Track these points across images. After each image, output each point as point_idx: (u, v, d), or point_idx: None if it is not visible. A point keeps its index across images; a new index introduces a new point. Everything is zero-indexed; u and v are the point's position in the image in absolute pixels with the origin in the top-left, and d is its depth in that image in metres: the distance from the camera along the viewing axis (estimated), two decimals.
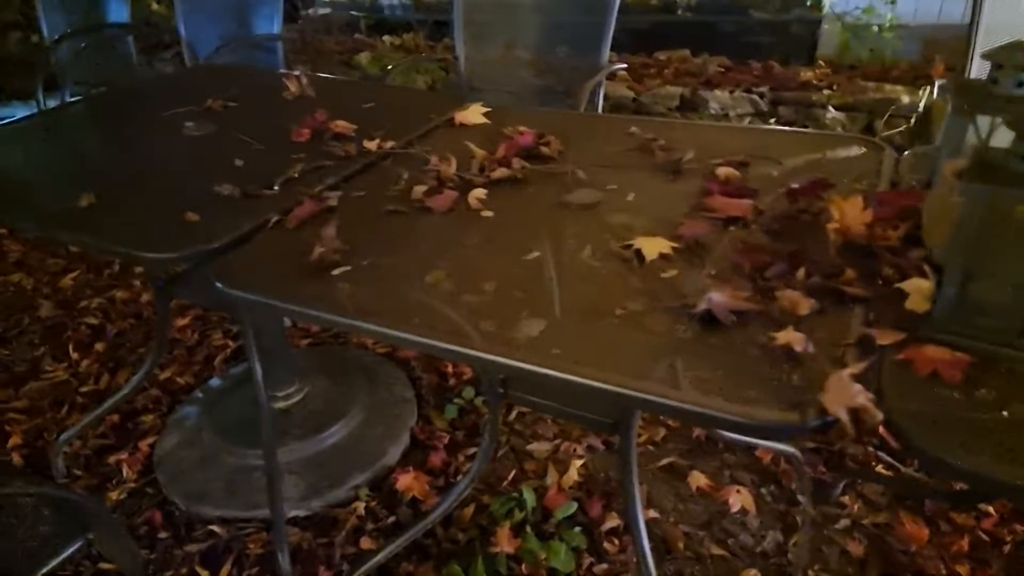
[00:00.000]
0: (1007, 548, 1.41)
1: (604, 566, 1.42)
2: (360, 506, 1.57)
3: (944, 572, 1.37)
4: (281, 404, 1.71)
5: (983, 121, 0.82)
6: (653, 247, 0.88)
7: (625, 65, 2.18)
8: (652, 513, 1.53)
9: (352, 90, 1.61)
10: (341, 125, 1.32)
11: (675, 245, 0.88)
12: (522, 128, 1.27)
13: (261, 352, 1.63)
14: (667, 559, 1.43)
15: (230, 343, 2.20)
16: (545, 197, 1.06)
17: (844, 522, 1.50)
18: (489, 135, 1.31)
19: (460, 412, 1.85)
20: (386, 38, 4.27)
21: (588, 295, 0.81)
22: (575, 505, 1.52)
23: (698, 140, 1.22)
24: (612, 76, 2.09)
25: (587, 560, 1.43)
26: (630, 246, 0.89)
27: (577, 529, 1.47)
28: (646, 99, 3.04)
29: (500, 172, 1.12)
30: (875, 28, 2.79)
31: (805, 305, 0.71)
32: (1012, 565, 1.38)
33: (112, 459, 1.74)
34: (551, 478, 1.62)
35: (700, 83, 3.20)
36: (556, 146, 1.21)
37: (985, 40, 1.81)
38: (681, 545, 1.46)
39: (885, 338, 0.68)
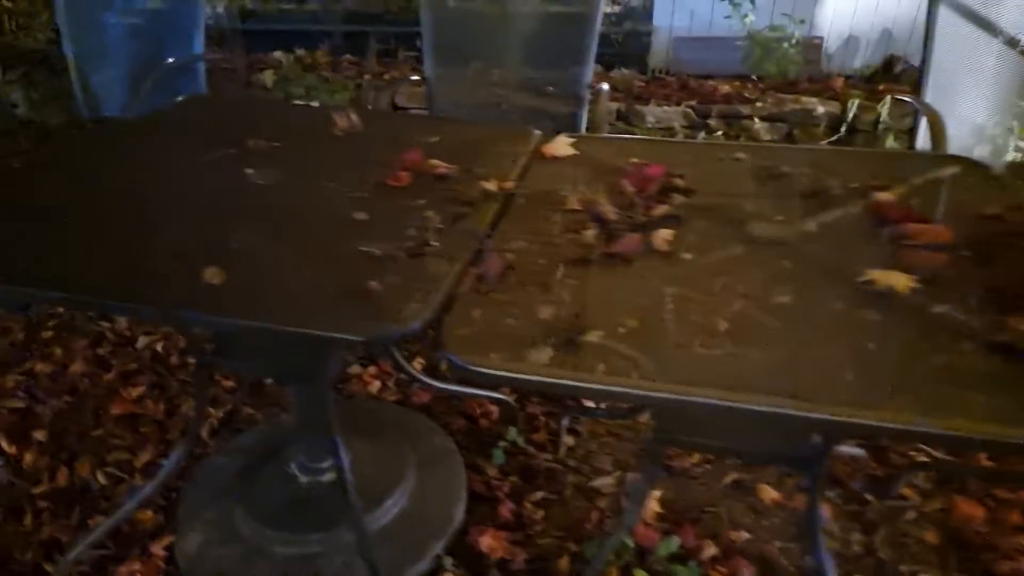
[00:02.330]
0: None
1: None
2: None
3: (1012, 544, 1.51)
4: (328, 476, 1.50)
5: None
6: (898, 282, 0.87)
7: (607, 86, 2.18)
8: (744, 535, 1.54)
9: (400, 123, 1.46)
10: (441, 165, 1.19)
11: (914, 278, 0.88)
12: (635, 159, 1.22)
13: (303, 422, 1.45)
14: None
15: (211, 411, 1.90)
16: (725, 234, 1.03)
17: (911, 513, 1.60)
18: (591, 167, 1.25)
19: (506, 455, 1.75)
20: (277, 54, 3.95)
21: (885, 340, 0.79)
22: (677, 540, 1.49)
23: (807, 163, 1.24)
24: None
25: None
26: (870, 283, 0.88)
27: (692, 563, 1.44)
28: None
29: (661, 210, 1.06)
30: (785, 45, 3.04)
31: None
32: None
33: (123, 571, 1.43)
34: None
35: (630, 98, 3.30)
36: (688, 176, 1.17)
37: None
38: (785, 562, 1.48)
39: None
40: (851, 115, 2.64)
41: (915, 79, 2.04)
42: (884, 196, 1.08)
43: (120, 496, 1.64)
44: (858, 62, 3.55)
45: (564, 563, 1.47)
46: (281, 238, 0.98)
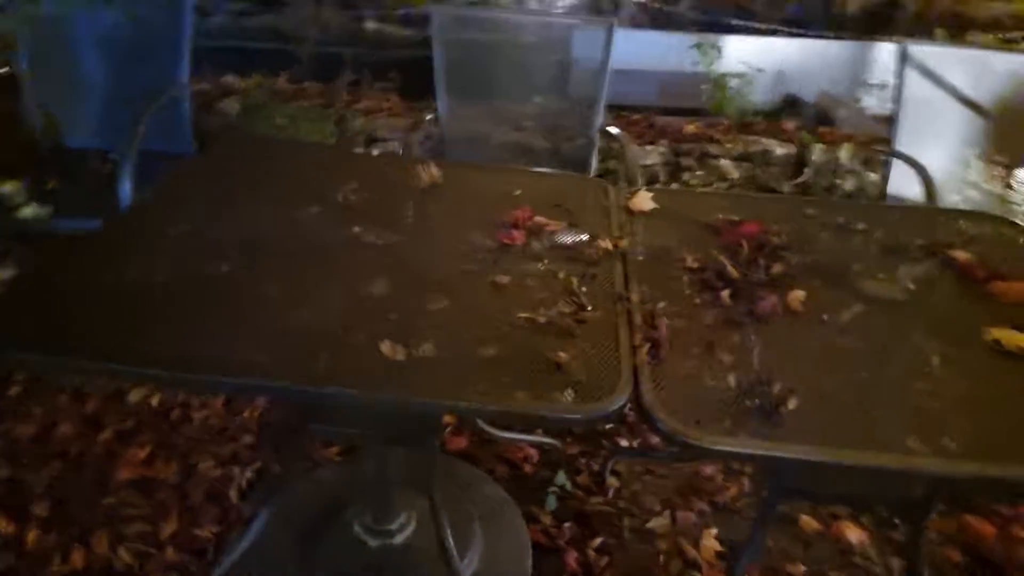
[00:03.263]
0: None
1: None
2: None
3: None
4: (399, 538, 1.45)
5: None
6: (1022, 341, 0.96)
7: (617, 130, 2.25)
8: (801, 567, 1.61)
9: (469, 174, 1.45)
10: (548, 223, 1.20)
11: None
12: (725, 216, 1.28)
13: (379, 483, 1.40)
14: None
15: (235, 470, 1.79)
16: (840, 293, 1.09)
17: (933, 534, 1.72)
18: (684, 223, 1.29)
19: (558, 500, 1.75)
20: (229, 78, 3.76)
21: None
22: None
23: (867, 218, 1.34)
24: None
25: None
26: (998, 343, 0.97)
27: None
28: None
29: (777, 269, 1.12)
30: (744, 91, 3.24)
31: None
32: None
33: None
34: (692, 552, 1.62)
35: None
36: (782, 234, 1.24)
37: None
38: None
39: None
40: (813, 158, 2.84)
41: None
42: (961, 255, 1.18)
43: (153, 575, 1.51)
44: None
45: None
46: (435, 305, 0.96)
